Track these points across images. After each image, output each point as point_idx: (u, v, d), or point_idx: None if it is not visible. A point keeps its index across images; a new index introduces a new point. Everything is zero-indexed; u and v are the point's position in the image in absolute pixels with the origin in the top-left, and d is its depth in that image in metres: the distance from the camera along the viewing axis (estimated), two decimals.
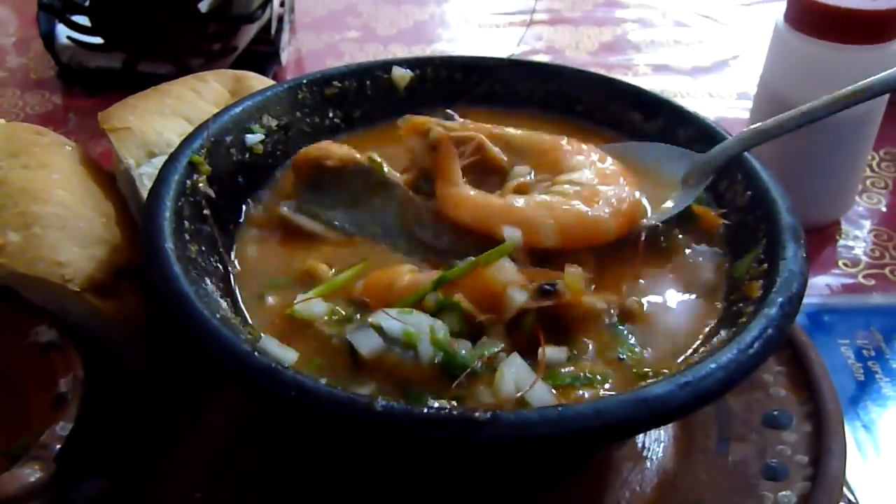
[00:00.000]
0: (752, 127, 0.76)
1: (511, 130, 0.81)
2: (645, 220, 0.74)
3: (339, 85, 0.88)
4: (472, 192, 0.74)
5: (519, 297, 0.61)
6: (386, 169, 0.77)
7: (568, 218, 0.70)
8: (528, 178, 0.78)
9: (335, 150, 0.77)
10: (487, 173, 0.78)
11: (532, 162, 0.79)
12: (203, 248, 0.68)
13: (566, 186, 0.74)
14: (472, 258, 0.65)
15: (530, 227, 0.69)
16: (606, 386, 0.60)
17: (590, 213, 0.71)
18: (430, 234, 0.74)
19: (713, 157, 0.76)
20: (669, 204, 0.76)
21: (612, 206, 0.72)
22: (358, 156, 0.77)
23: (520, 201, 0.72)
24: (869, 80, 0.72)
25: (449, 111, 0.82)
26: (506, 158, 0.79)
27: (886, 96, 1.06)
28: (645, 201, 0.76)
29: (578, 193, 0.72)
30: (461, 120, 0.81)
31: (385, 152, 0.79)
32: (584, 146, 0.80)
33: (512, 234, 0.68)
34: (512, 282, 0.62)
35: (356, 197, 0.77)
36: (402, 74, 0.90)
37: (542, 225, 0.69)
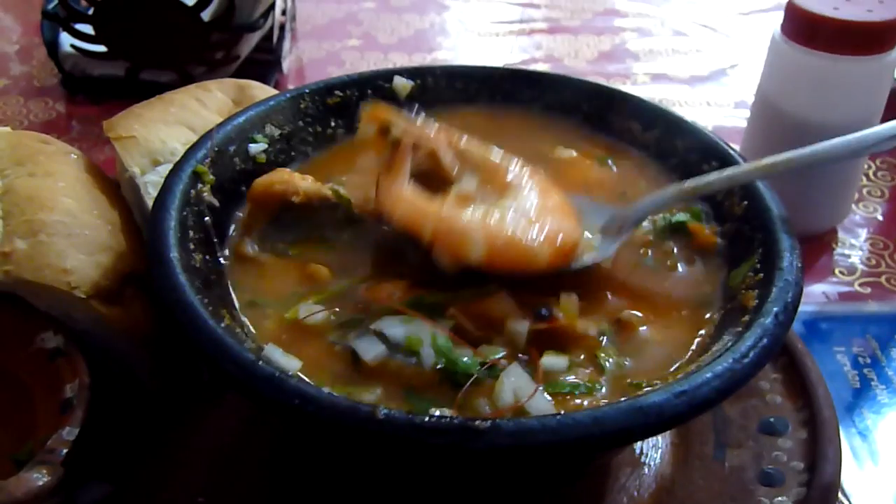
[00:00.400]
0: (688, 182, 0.76)
1: (471, 144, 0.79)
2: (573, 264, 0.72)
3: (342, 94, 0.89)
4: (413, 194, 0.72)
5: (521, 328, 0.64)
6: (353, 202, 0.77)
7: (498, 238, 0.68)
8: (473, 191, 0.74)
9: (299, 183, 0.76)
10: (437, 180, 0.76)
11: (482, 177, 0.76)
12: (206, 257, 0.69)
13: (506, 209, 0.71)
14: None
15: (458, 238, 0.67)
16: (602, 395, 0.61)
17: (522, 238, 0.68)
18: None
19: (636, 210, 0.76)
20: (590, 255, 0.74)
21: (547, 237, 0.69)
22: (324, 189, 0.76)
23: (455, 211, 0.70)
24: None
25: (416, 106, 0.82)
26: (457, 168, 0.76)
27: (882, 105, 1.08)
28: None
29: (516, 218, 0.70)
30: (423, 121, 0.78)
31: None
32: (536, 174, 0.78)
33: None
34: (512, 313, 0.65)
35: (322, 233, 0.76)
36: (403, 84, 0.91)
37: (471, 239, 0.67)
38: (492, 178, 0.76)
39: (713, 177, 0.75)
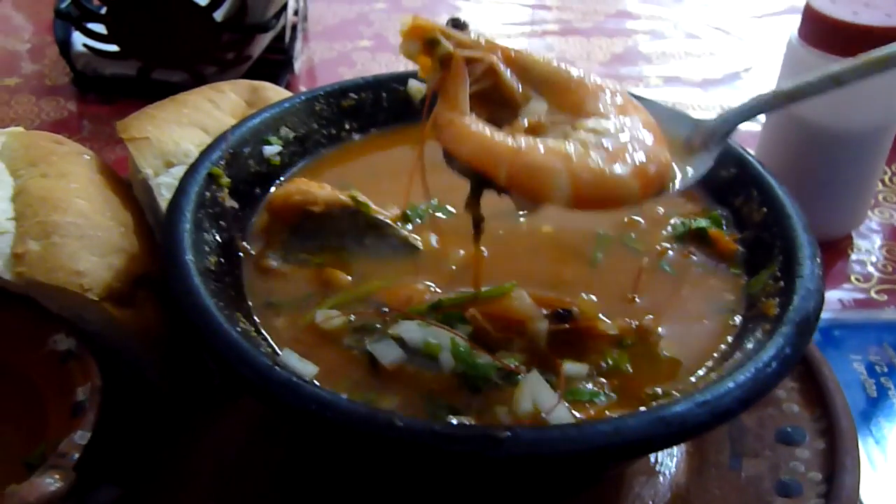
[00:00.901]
0: (771, 90, 0.71)
1: (533, 57, 0.70)
2: (671, 187, 0.67)
3: (356, 97, 0.89)
4: (479, 125, 0.64)
5: (542, 327, 0.64)
6: (372, 207, 0.75)
7: (585, 173, 0.60)
8: (544, 116, 0.67)
9: (318, 193, 0.75)
10: (497, 104, 0.68)
11: (551, 98, 0.68)
12: (221, 260, 0.69)
13: (587, 134, 0.64)
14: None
15: (539, 177, 0.60)
16: (621, 403, 0.61)
17: (612, 170, 0.61)
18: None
19: (723, 121, 0.71)
20: (689, 170, 0.69)
21: (638, 165, 0.62)
22: (342, 196, 0.75)
23: (532, 144, 0.62)
24: None
25: (460, 18, 0.70)
26: (521, 89, 0.68)
27: None
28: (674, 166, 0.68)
29: (600, 145, 0.62)
30: (474, 32, 0.70)
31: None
32: (614, 89, 0.70)
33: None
34: (532, 315, 0.64)
35: (343, 240, 0.74)
36: (417, 87, 0.90)
37: (554, 177, 0.60)
38: (562, 97, 0.68)
39: (806, 80, 0.69)
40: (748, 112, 0.71)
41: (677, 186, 0.67)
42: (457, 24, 0.68)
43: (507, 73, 0.67)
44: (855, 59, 0.68)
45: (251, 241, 0.75)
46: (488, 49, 0.68)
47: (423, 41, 0.66)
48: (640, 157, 0.63)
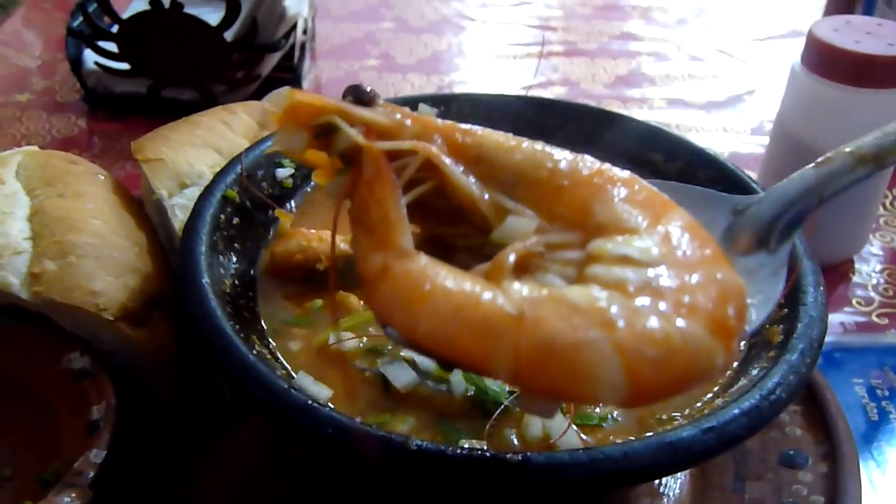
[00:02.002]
0: (849, 150, 0.55)
1: (492, 139, 0.50)
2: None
3: None
4: (439, 270, 0.43)
5: None
6: None
7: (645, 345, 0.40)
8: (532, 240, 0.46)
9: (318, 248, 0.71)
10: (445, 218, 0.49)
11: (538, 206, 0.47)
12: (236, 282, 0.70)
13: (616, 269, 0.42)
14: None
15: (572, 367, 0.40)
16: (627, 428, 0.62)
17: (681, 332, 0.41)
18: None
19: (778, 202, 0.54)
20: (756, 312, 0.52)
21: (713, 310, 0.42)
22: (343, 246, 0.64)
23: (539, 302, 0.41)
24: None
25: (364, 87, 0.50)
26: (478, 192, 0.48)
27: None
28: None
29: (648, 287, 0.42)
30: (384, 104, 0.50)
31: None
32: (623, 176, 0.50)
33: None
34: None
35: (349, 286, 0.70)
36: (427, 111, 0.92)
37: (598, 363, 0.40)
38: (553, 203, 0.47)
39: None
40: (818, 187, 0.53)
41: (758, 321, 0.49)
42: (360, 96, 0.48)
43: (458, 171, 0.47)
44: None
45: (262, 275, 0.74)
46: (421, 131, 0.49)
47: (312, 129, 0.47)
48: (708, 293, 0.43)
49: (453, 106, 0.94)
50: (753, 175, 0.83)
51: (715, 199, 0.55)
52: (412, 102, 0.91)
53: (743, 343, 0.68)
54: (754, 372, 0.63)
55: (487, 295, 0.42)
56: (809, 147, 1.06)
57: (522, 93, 0.99)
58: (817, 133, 1.06)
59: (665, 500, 0.78)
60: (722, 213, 0.54)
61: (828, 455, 0.79)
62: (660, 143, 0.89)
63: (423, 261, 0.44)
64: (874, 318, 1.08)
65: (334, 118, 0.47)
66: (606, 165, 0.50)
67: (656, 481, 0.79)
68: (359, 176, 0.46)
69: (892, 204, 1.31)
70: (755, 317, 0.50)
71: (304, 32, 1.57)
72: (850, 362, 1.01)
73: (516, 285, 0.42)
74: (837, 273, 1.16)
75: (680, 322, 0.41)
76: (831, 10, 1.47)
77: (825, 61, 1.02)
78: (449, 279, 0.43)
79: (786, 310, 0.67)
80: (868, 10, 1.40)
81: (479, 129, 0.50)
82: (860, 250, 1.18)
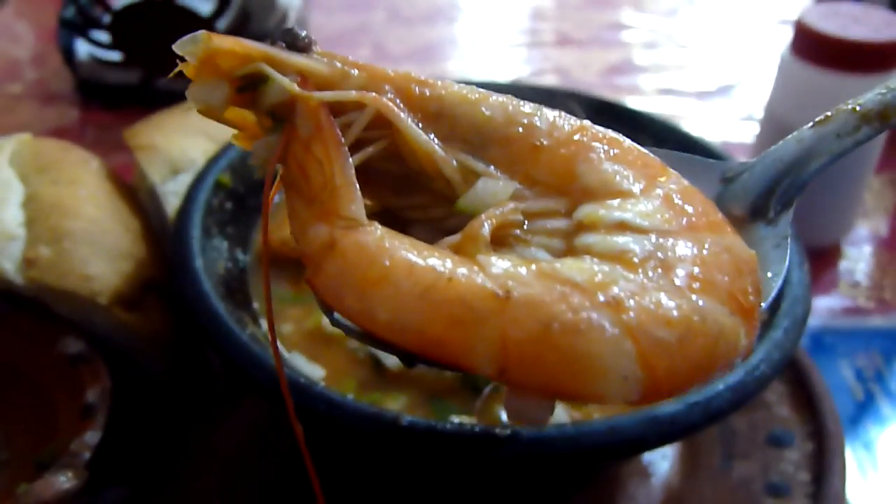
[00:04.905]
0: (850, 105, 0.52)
1: (454, 90, 0.42)
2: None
3: None
4: (399, 245, 0.36)
5: None
6: None
7: (661, 331, 0.34)
8: (509, 206, 0.39)
9: None
10: (399, 186, 0.41)
11: (511, 165, 0.40)
12: (229, 265, 0.71)
13: (621, 239, 0.37)
14: None
15: (574, 358, 0.34)
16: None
17: (700, 310, 0.35)
18: None
19: (769, 167, 0.48)
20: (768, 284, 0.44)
21: (729, 284, 0.37)
22: None
23: (528, 278, 0.35)
24: None
25: (296, 30, 0.41)
26: (441, 153, 0.40)
27: None
28: None
29: (656, 259, 0.36)
30: (323, 51, 0.41)
31: None
32: (606, 133, 0.43)
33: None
34: None
35: None
36: None
37: (605, 352, 0.34)
38: (532, 163, 0.40)
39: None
40: (818, 149, 0.49)
41: (769, 299, 0.42)
42: (293, 40, 0.40)
43: (416, 127, 0.39)
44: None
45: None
46: (369, 81, 0.39)
47: (235, 80, 0.39)
48: (722, 265, 0.37)
49: None
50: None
51: (701, 166, 0.47)
52: None
53: None
54: None
55: (462, 271, 0.34)
56: (795, 130, 1.08)
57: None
58: (807, 119, 1.05)
59: (654, 479, 0.79)
60: (709, 182, 0.47)
61: (814, 434, 0.81)
62: (649, 128, 0.90)
63: (379, 232, 0.36)
64: (861, 302, 1.10)
65: (262, 66, 0.38)
66: (587, 122, 0.44)
67: (645, 460, 0.80)
68: (293, 134, 0.37)
69: (879, 188, 1.32)
70: (770, 295, 0.43)
71: (297, 22, 1.58)
72: (837, 345, 1.02)
73: (496, 259, 0.35)
74: (825, 257, 1.17)
75: (696, 299, 0.35)
76: None
77: (814, 48, 1.03)
78: (412, 253, 0.35)
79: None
80: None
81: (438, 80, 0.42)
82: (847, 234, 1.19)
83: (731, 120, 1.51)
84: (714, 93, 1.60)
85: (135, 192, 0.91)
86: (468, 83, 0.91)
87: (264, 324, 0.68)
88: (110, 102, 1.45)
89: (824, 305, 1.09)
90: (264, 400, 0.57)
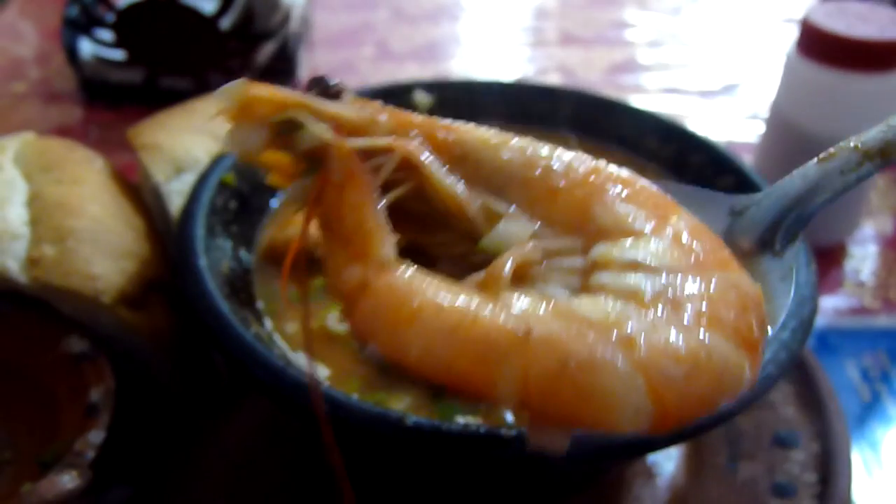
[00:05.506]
0: (852, 143, 0.50)
1: (478, 134, 0.45)
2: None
3: None
4: (427, 286, 0.39)
5: None
6: None
7: (670, 367, 0.36)
8: (529, 247, 0.41)
9: (315, 234, 0.68)
10: (425, 224, 0.44)
11: (531, 206, 0.43)
12: (233, 265, 0.71)
13: (633, 278, 0.39)
14: None
15: (589, 392, 0.36)
16: None
17: (706, 347, 0.37)
18: None
19: (778, 203, 0.50)
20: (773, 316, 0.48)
21: (734, 321, 0.38)
22: None
23: (546, 317, 0.37)
24: None
25: (328, 78, 0.44)
26: (465, 194, 0.43)
27: None
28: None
29: (664, 297, 0.38)
30: (354, 97, 0.44)
31: None
32: (619, 174, 0.45)
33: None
34: None
35: None
36: (422, 97, 0.92)
37: (617, 387, 0.36)
38: (548, 206, 0.42)
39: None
40: (822, 185, 0.50)
41: (775, 329, 0.46)
42: (325, 88, 0.42)
43: (440, 170, 0.42)
44: None
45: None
46: (397, 127, 0.42)
47: (272, 126, 0.41)
48: (728, 301, 0.39)
49: (448, 92, 0.94)
50: (749, 161, 0.84)
51: (710, 200, 0.50)
52: (407, 88, 0.93)
53: None
54: None
55: (486, 310, 0.37)
56: (805, 133, 1.08)
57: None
58: (812, 118, 1.06)
59: (659, 479, 0.79)
60: (719, 215, 0.49)
61: (820, 435, 0.81)
62: (654, 127, 0.90)
63: (409, 272, 0.39)
64: (867, 302, 1.09)
65: (297, 114, 0.41)
66: (602, 162, 0.45)
67: (651, 461, 0.80)
68: (326, 178, 0.40)
69: (885, 187, 1.32)
70: (775, 325, 0.46)
71: (300, 21, 1.58)
72: (843, 345, 1.02)
73: (517, 298, 0.38)
74: (831, 257, 1.16)
75: (703, 335, 0.37)
76: None
77: (819, 47, 1.03)
78: (440, 293, 0.38)
79: None
80: None
81: (461, 125, 0.44)
82: (852, 234, 1.19)
83: (735, 119, 1.51)
84: (719, 92, 1.60)
85: (138, 192, 0.91)
86: (472, 83, 0.90)
87: (268, 323, 0.68)
88: (114, 101, 1.45)
89: (830, 305, 1.08)
90: (268, 399, 0.56)
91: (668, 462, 0.80)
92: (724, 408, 0.54)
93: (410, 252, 0.42)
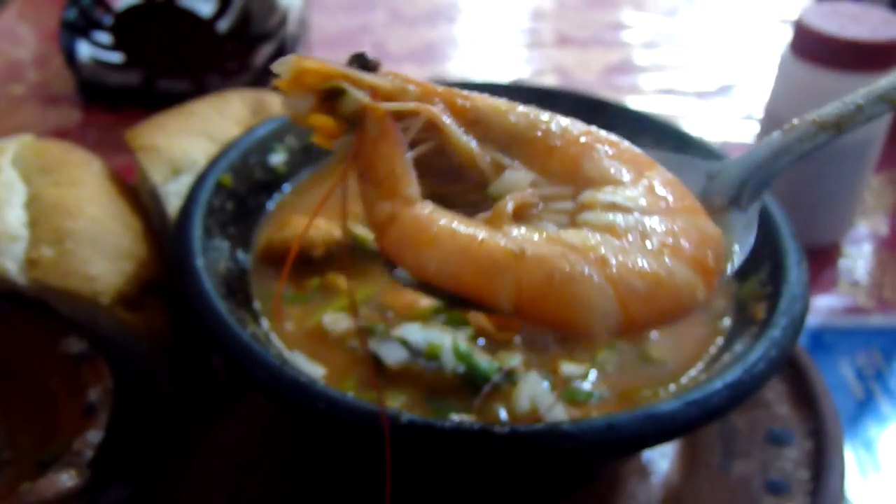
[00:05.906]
0: (809, 118, 0.58)
1: (490, 103, 0.53)
2: (728, 268, 0.53)
3: None
4: (442, 216, 0.48)
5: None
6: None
7: (634, 279, 0.45)
8: (530, 192, 0.50)
9: (315, 236, 0.72)
10: (445, 178, 0.52)
11: (532, 163, 0.51)
12: (230, 265, 0.71)
13: (608, 215, 0.47)
14: None
15: (570, 299, 0.44)
16: (614, 403, 0.63)
17: (667, 268, 0.46)
18: None
19: (747, 166, 0.57)
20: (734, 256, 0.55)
21: (693, 250, 0.47)
22: (339, 233, 0.71)
23: (538, 242, 0.46)
24: None
25: (366, 54, 0.52)
26: (478, 150, 0.51)
27: (887, 121, 1.09)
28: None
29: (636, 230, 0.47)
30: (387, 71, 0.52)
31: None
32: (607, 137, 0.54)
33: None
34: None
35: (344, 267, 0.72)
36: None
37: (594, 296, 0.44)
38: (546, 160, 0.51)
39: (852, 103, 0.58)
40: (783, 151, 0.57)
41: (735, 265, 0.53)
42: (363, 62, 0.51)
43: (458, 130, 0.50)
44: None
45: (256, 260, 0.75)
46: (422, 95, 0.51)
47: (319, 93, 0.49)
48: (690, 237, 0.48)
49: None
50: None
51: (689, 164, 0.59)
52: None
53: (728, 319, 0.70)
54: (738, 348, 0.64)
55: (490, 236, 0.46)
56: None
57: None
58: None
59: (653, 477, 0.79)
60: (697, 178, 0.57)
61: (813, 433, 0.81)
62: (650, 128, 0.90)
63: (429, 207, 0.48)
64: (861, 301, 1.10)
65: (341, 82, 0.49)
66: (594, 127, 0.54)
67: (645, 459, 0.80)
68: (364, 135, 0.49)
69: (878, 187, 1.32)
70: (736, 262, 0.54)
71: (298, 23, 1.58)
72: (837, 344, 1.02)
73: (516, 228, 0.47)
74: (825, 257, 1.17)
75: (666, 259, 0.46)
76: None
77: (814, 48, 1.04)
78: (454, 223, 0.47)
79: (769, 287, 0.69)
80: None
81: (476, 94, 0.53)
82: (847, 233, 1.20)
83: (731, 119, 1.51)
84: (714, 92, 1.60)
85: (136, 193, 0.92)
86: (469, 84, 0.92)
87: (265, 323, 0.68)
88: (112, 103, 1.45)
89: (824, 304, 1.09)
90: (265, 398, 0.57)
91: (662, 460, 0.81)
92: (717, 402, 0.55)
93: (433, 200, 0.49)
